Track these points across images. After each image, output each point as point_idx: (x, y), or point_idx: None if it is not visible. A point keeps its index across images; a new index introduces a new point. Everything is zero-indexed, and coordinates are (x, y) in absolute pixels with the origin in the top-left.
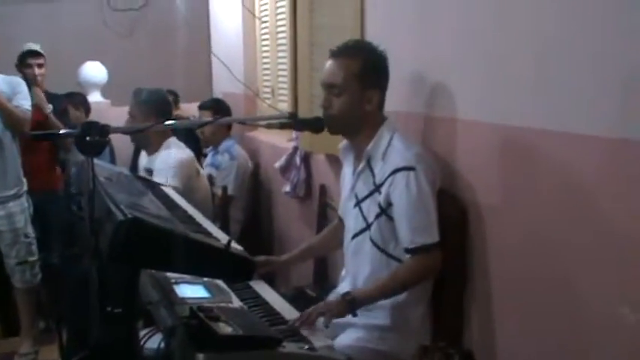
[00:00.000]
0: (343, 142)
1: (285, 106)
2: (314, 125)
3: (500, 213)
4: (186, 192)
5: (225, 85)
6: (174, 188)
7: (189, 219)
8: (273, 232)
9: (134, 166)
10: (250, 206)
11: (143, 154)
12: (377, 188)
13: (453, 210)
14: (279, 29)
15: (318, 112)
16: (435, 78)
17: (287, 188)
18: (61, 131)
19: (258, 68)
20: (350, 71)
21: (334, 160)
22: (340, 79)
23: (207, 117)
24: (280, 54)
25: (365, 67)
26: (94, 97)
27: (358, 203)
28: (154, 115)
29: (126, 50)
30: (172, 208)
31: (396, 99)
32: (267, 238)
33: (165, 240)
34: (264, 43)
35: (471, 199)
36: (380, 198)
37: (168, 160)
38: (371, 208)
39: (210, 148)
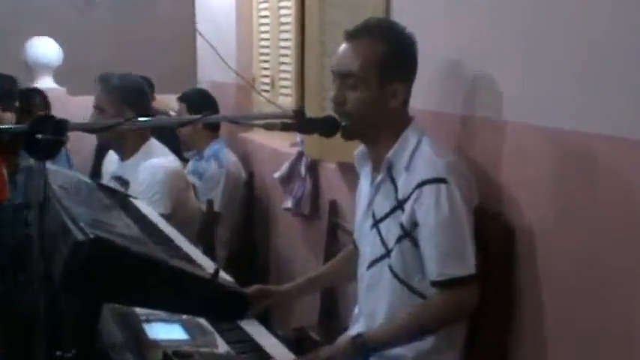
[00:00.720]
0: (360, 148)
1: (288, 102)
2: (325, 126)
3: (555, 237)
4: (173, 210)
5: (212, 72)
6: (161, 215)
7: (167, 241)
8: (270, 259)
9: (96, 172)
10: (242, 226)
11: (110, 159)
12: (399, 205)
13: (494, 233)
14: (283, 4)
15: (330, 110)
16: (473, 70)
17: (288, 204)
18: (3, 127)
19: (255, 52)
20: (370, 58)
21: (348, 170)
22: (357, 67)
23: (189, 112)
24: (283, 34)
25: (389, 54)
26: (45, 83)
27: (376, 223)
28: (129, 109)
29: (85, 25)
30: (145, 226)
31: (423, 95)
32: (263, 267)
33: (134, 266)
34: (263, 20)
35: (518, 220)
36: (403, 217)
37: (155, 173)
38: (392, 230)
39: (193, 152)
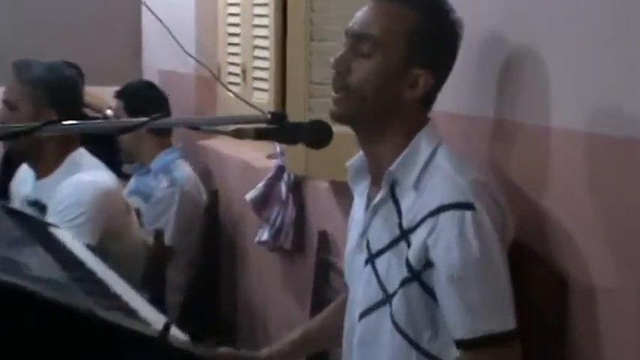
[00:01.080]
0: (355, 158)
1: (264, 99)
2: (313, 134)
3: (622, 289)
4: (105, 242)
5: (162, 58)
6: (87, 245)
7: (100, 286)
8: (238, 308)
9: (2, 193)
10: (202, 265)
11: (24, 175)
12: (404, 235)
13: (539, 283)
14: None
15: (321, 112)
16: (511, 56)
17: (264, 235)
18: None
19: (221, 33)
20: (398, 24)
21: (344, 190)
22: (378, 30)
23: (129, 112)
24: (258, 9)
25: (422, 27)
26: None
27: (372, 258)
28: (51, 108)
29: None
30: (71, 266)
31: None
32: (229, 320)
33: (53, 321)
34: None
35: (572, 265)
36: (410, 252)
37: (81, 191)
38: (393, 268)
39: (136, 164)
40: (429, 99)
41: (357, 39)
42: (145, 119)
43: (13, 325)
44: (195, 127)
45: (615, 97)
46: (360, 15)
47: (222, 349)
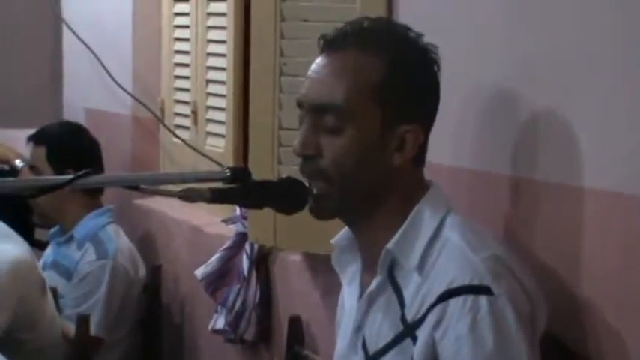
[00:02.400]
0: (341, 234)
1: (219, 147)
2: (284, 197)
3: None
4: (15, 331)
5: (91, 94)
6: None
7: None
8: None
9: None
10: (139, 358)
11: None
12: (409, 329)
13: None
14: None
15: (293, 165)
16: (531, 107)
17: (220, 322)
18: None
19: (165, 63)
20: (362, 81)
21: (321, 265)
22: (342, 97)
23: (51, 162)
24: (212, 34)
25: (393, 77)
26: None
27: None
28: None
29: None
30: None
31: (446, 143)
32: None
33: None
34: (180, 8)
35: None
36: (416, 351)
37: None
38: None
39: (55, 229)
40: (420, 155)
41: (316, 113)
42: (69, 177)
43: None
44: (133, 188)
45: None
46: (313, 77)
47: None
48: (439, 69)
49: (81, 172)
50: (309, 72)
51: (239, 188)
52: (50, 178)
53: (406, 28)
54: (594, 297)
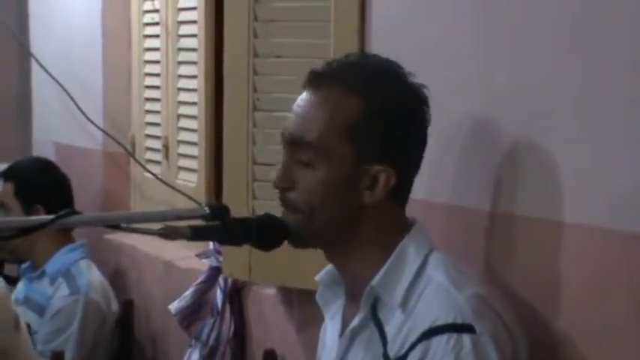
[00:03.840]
0: (326, 270)
1: (191, 181)
2: (263, 234)
3: None
4: None
5: (60, 129)
6: None
7: None
8: None
9: None
10: None
11: None
12: None
13: None
14: (183, 16)
15: (267, 200)
16: (511, 139)
17: (194, 357)
18: None
19: (136, 97)
20: (338, 119)
21: (298, 300)
22: (315, 134)
23: (20, 198)
24: (184, 69)
25: (370, 114)
26: None
27: None
28: None
29: None
30: None
31: (424, 177)
32: None
33: None
34: (150, 43)
35: None
36: None
37: None
38: None
39: (26, 265)
40: (400, 194)
41: (293, 144)
42: (50, 217)
43: None
44: (114, 226)
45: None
46: (295, 111)
47: None
48: (427, 107)
49: (61, 213)
50: (294, 105)
51: (219, 226)
52: (30, 218)
53: (396, 66)
54: (571, 331)
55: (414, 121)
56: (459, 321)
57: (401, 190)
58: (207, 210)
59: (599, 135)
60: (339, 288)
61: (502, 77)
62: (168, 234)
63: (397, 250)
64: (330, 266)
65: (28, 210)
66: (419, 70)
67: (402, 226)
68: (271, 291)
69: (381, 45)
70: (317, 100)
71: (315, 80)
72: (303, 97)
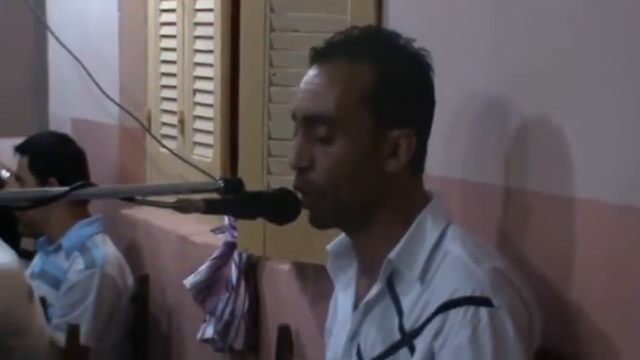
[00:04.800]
0: (338, 240)
1: (207, 157)
2: (277, 208)
3: None
4: (1, 335)
5: (77, 104)
6: None
7: None
8: None
9: None
10: None
11: None
12: (406, 339)
13: None
14: None
15: (282, 175)
16: (521, 114)
17: (208, 332)
18: None
19: (152, 73)
20: (353, 90)
21: (312, 275)
22: (332, 107)
23: (35, 172)
24: (200, 44)
25: (383, 84)
26: None
27: None
28: None
29: None
30: None
31: (439, 153)
32: None
33: None
34: (167, 19)
35: None
36: (414, 359)
37: None
38: None
39: (42, 239)
40: (417, 162)
41: (308, 122)
42: (65, 189)
43: None
44: (128, 199)
45: None
46: (304, 89)
47: None
48: (432, 72)
49: (76, 184)
50: (302, 84)
51: (233, 199)
52: (45, 189)
53: (396, 35)
54: (585, 304)
55: (425, 84)
56: (477, 294)
57: (418, 160)
58: (221, 183)
59: (612, 110)
60: (350, 259)
61: (516, 53)
62: (183, 207)
63: (415, 223)
64: (341, 237)
65: (43, 183)
66: (435, 43)
67: (421, 199)
68: (286, 266)
69: (398, 19)
70: (328, 74)
71: (323, 55)
72: (311, 73)
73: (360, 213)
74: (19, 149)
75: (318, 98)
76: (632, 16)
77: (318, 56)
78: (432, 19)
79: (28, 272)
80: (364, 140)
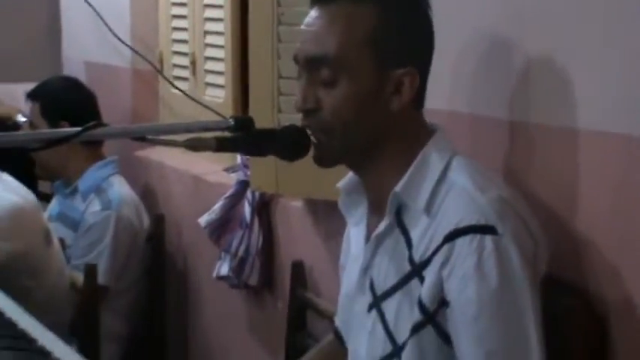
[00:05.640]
0: (347, 178)
1: (219, 98)
2: (287, 144)
3: None
4: (18, 276)
5: (90, 47)
6: None
7: (17, 335)
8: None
9: None
10: (145, 308)
11: None
12: (416, 270)
13: (574, 319)
14: None
15: (293, 113)
16: (525, 48)
17: (224, 269)
18: None
19: (163, 15)
20: (355, 31)
21: (323, 211)
22: (335, 48)
23: (47, 117)
24: None
25: (384, 24)
26: None
27: (377, 303)
28: None
29: None
30: None
31: (446, 88)
32: None
33: None
34: None
35: (611, 296)
36: (423, 290)
37: None
38: (403, 312)
39: (58, 182)
40: (419, 98)
41: (312, 66)
42: (77, 129)
43: None
44: (139, 138)
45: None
46: (305, 31)
47: None
48: (431, 10)
49: (89, 124)
50: (303, 26)
51: (243, 137)
52: (58, 130)
53: None
54: (591, 235)
55: (424, 21)
56: (482, 222)
57: (420, 96)
58: (232, 122)
59: (620, 42)
60: (361, 196)
61: None
62: (194, 145)
63: (420, 156)
64: (351, 174)
65: (55, 127)
66: None
67: (425, 133)
68: (298, 203)
69: None
70: (329, 16)
71: None
72: (312, 15)
73: (367, 150)
74: (30, 95)
75: (319, 40)
76: None
77: None
78: None
79: (46, 215)
80: (368, 81)
